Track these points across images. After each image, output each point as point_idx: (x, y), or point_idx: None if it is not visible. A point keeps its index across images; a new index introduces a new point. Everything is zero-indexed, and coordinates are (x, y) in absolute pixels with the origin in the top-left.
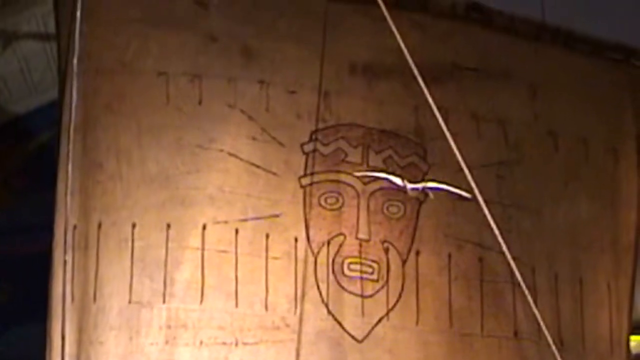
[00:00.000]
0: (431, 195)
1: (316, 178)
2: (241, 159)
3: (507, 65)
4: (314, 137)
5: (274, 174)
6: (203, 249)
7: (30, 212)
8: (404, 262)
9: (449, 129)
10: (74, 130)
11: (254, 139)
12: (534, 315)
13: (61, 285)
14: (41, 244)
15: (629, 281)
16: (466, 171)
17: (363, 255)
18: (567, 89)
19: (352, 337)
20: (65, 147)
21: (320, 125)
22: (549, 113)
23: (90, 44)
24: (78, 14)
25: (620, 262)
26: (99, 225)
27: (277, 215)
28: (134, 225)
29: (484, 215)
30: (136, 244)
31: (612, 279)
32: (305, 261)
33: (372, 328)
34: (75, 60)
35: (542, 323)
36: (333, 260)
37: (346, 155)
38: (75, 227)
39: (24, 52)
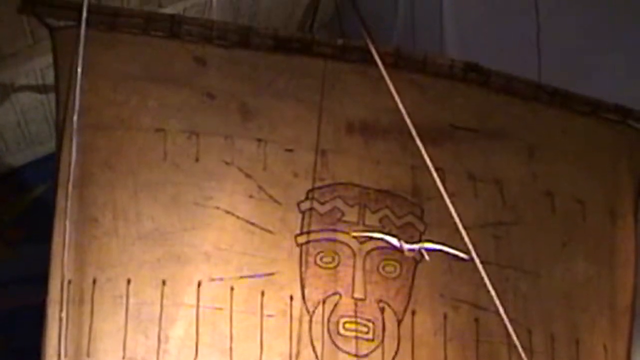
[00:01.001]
0: (427, 256)
1: (312, 237)
2: (238, 217)
3: (505, 125)
4: (310, 195)
5: (270, 232)
6: (198, 306)
7: (24, 264)
8: (399, 322)
9: (446, 189)
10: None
11: (250, 196)
12: None
13: (55, 339)
14: (36, 297)
15: (625, 343)
16: (462, 232)
17: (358, 315)
18: (565, 150)
19: None
20: (62, 202)
21: (317, 184)
22: (546, 173)
23: (89, 100)
24: (79, 70)
25: (617, 324)
26: (94, 281)
27: (272, 274)
28: (129, 282)
29: (481, 276)
30: (131, 300)
31: (609, 340)
32: (300, 320)
33: None
34: (75, 117)
35: None
36: (328, 320)
37: (343, 214)
38: (70, 282)
39: (21, 105)
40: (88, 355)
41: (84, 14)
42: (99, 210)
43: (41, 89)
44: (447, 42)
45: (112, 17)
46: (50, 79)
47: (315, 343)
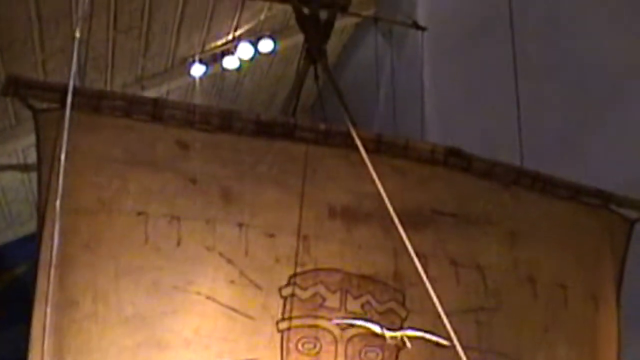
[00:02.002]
0: (408, 344)
1: (294, 323)
2: (219, 303)
3: (487, 210)
4: (292, 281)
5: (252, 317)
6: None
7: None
8: None
9: (427, 275)
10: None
11: (232, 282)
12: None
13: None
14: None
15: None
16: (444, 318)
17: None
18: (546, 235)
19: None
20: (42, 286)
21: (299, 270)
22: (528, 259)
23: (71, 182)
24: (62, 156)
25: None
26: None
27: None
28: None
29: None
30: None
31: None
32: None
33: None
34: (58, 202)
35: None
36: None
37: (324, 300)
38: None
39: (2, 184)
40: None
41: (69, 97)
42: (79, 294)
43: (23, 169)
44: (428, 127)
45: (96, 99)
46: (32, 158)
47: None
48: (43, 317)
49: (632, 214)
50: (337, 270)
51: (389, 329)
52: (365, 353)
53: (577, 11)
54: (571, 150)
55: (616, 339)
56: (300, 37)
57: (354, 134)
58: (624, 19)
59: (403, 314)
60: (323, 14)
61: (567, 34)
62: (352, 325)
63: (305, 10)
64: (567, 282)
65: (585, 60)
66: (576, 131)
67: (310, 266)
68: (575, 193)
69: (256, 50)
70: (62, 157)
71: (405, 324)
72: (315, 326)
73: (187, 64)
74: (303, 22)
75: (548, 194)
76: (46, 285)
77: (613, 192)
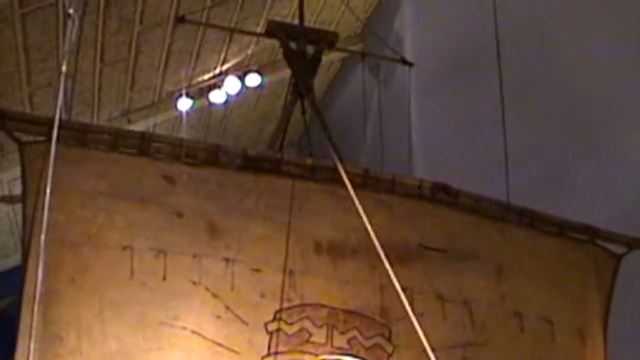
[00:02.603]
0: None
1: (279, 358)
2: (204, 337)
3: (473, 245)
4: (278, 316)
5: (237, 352)
6: None
7: None
8: None
9: (414, 310)
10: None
11: (218, 317)
12: None
13: None
14: None
15: None
16: (431, 354)
17: None
18: (533, 270)
19: None
20: (26, 320)
21: (285, 305)
22: (514, 294)
23: (56, 216)
24: (48, 190)
25: None
26: None
27: None
28: None
29: None
30: None
31: None
32: None
33: None
34: (42, 236)
35: None
36: None
37: (310, 335)
38: None
39: None
40: None
41: (55, 130)
42: (63, 329)
43: (8, 201)
44: (415, 163)
45: (82, 133)
46: (17, 190)
47: None
48: (27, 352)
49: (618, 249)
50: (323, 306)
51: None
52: None
53: (566, 46)
54: (558, 186)
55: None
56: (287, 72)
57: (341, 169)
58: (615, 54)
59: (389, 349)
60: (310, 49)
61: (555, 68)
62: None
63: (293, 45)
64: (554, 317)
65: (572, 96)
66: (563, 166)
67: (296, 301)
68: (561, 228)
69: (243, 84)
70: (47, 190)
71: None
72: None
73: (174, 97)
74: (290, 57)
75: (535, 229)
76: (30, 320)
77: (600, 228)
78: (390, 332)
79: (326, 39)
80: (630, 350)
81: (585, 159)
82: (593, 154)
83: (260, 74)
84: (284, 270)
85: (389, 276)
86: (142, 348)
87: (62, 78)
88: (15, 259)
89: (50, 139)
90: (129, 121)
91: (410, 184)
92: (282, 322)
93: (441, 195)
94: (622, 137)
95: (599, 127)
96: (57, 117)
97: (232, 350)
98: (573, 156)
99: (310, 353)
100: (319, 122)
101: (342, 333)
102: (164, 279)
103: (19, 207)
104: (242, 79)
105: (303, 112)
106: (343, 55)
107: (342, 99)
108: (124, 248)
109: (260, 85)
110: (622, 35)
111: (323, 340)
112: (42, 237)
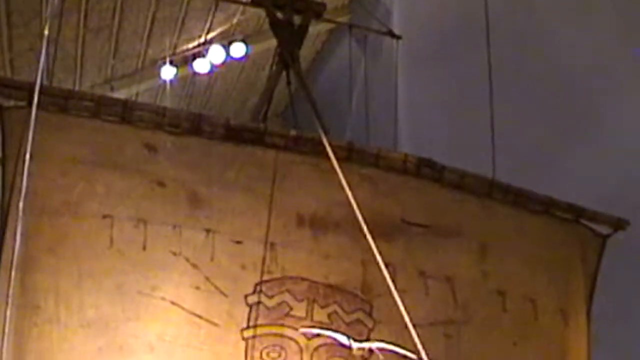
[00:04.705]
0: (381, 356)
1: (259, 331)
2: (183, 309)
3: (457, 222)
4: (258, 289)
5: (216, 325)
6: None
7: None
8: None
9: (396, 286)
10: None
11: (197, 288)
12: None
13: None
14: None
15: None
16: (412, 330)
17: None
18: (517, 248)
19: None
20: (3, 288)
21: (265, 277)
22: (498, 272)
23: (36, 183)
24: (27, 155)
25: None
26: None
27: None
28: None
29: None
30: None
31: None
32: None
33: None
34: (21, 204)
35: None
36: None
37: (291, 309)
38: None
39: None
40: None
41: (36, 95)
42: (41, 297)
43: None
44: (401, 136)
45: (64, 99)
46: None
47: None
48: (3, 320)
49: (604, 230)
50: (304, 279)
51: (355, 340)
52: None
53: (556, 24)
54: (544, 165)
55: (586, 353)
56: (273, 42)
57: (325, 142)
58: (604, 34)
59: (370, 324)
60: (297, 19)
61: (544, 46)
62: (318, 335)
63: (279, 15)
64: (537, 296)
65: (562, 75)
66: (550, 145)
67: (277, 274)
68: (547, 207)
69: (228, 54)
70: (27, 156)
71: (372, 335)
72: (281, 335)
73: (157, 66)
74: (276, 27)
75: (520, 207)
76: (7, 288)
77: (585, 207)
78: (371, 307)
79: (313, 9)
80: (614, 331)
81: (572, 139)
82: (580, 135)
83: (245, 43)
84: (265, 243)
85: (371, 251)
86: (121, 317)
87: (45, 42)
88: None
89: (31, 105)
90: (112, 89)
91: (395, 158)
92: (262, 295)
93: (426, 170)
94: (610, 118)
95: (588, 107)
96: (38, 81)
97: (211, 322)
98: (560, 136)
99: (290, 327)
100: (303, 93)
101: (323, 307)
102: (144, 248)
103: None
104: (226, 48)
105: (288, 83)
106: (330, 26)
107: (328, 71)
108: (104, 217)
109: (245, 56)
110: (612, 16)
111: (303, 314)
112: (21, 204)
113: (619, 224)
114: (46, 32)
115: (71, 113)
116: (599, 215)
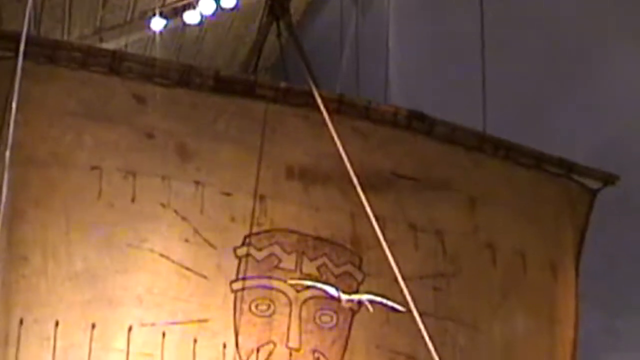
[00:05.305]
0: (370, 308)
1: (248, 283)
2: (172, 261)
3: (447, 175)
4: (247, 241)
5: (205, 277)
6: (128, 352)
7: None
8: None
9: (385, 239)
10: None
11: (186, 240)
12: None
13: None
14: None
15: None
16: (401, 283)
17: None
18: (507, 202)
19: None
20: None
21: (255, 230)
22: (488, 225)
23: (23, 134)
24: (14, 105)
25: None
26: (21, 322)
27: (206, 320)
28: (57, 324)
29: (418, 328)
30: (58, 343)
31: None
32: None
33: None
34: (7, 153)
35: None
36: None
37: (280, 261)
38: None
39: None
40: None
41: (22, 45)
42: (28, 249)
43: None
44: (391, 90)
45: (51, 49)
46: None
47: None
48: None
49: (594, 185)
50: (293, 232)
51: (344, 292)
52: (320, 316)
53: None
54: (535, 119)
55: (574, 308)
56: None
57: (315, 93)
58: None
59: (359, 277)
60: None
61: (536, 2)
62: (307, 288)
63: None
64: (526, 250)
65: (553, 29)
66: (541, 100)
67: (266, 226)
68: (537, 161)
69: (218, 5)
70: (14, 106)
71: (362, 288)
72: (270, 288)
73: (147, 17)
74: None
75: (510, 161)
76: None
77: (575, 162)
78: (360, 260)
79: None
80: (602, 287)
81: (563, 94)
82: (571, 90)
83: None
84: (255, 195)
85: (361, 204)
86: (109, 270)
87: None
88: None
89: (17, 55)
90: (101, 40)
91: (386, 111)
92: (251, 248)
93: (417, 123)
94: (601, 73)
95: (580, 61)
96: (25, 31)
97: (200, 275)
98: (551, 90)
99: (279, 279)
100: (294, 46)
101: (312, 260)
102: (133, 200)
103: None
104: None
105: (278, 35)
106: None
107: (319, 24)
108: (92, 168)
109: (235, 7)
110: None
111: (292, 267)
112: (7, 153)
113: (609, 179)
114: None
115: (59, 64)
116: (590, 170)
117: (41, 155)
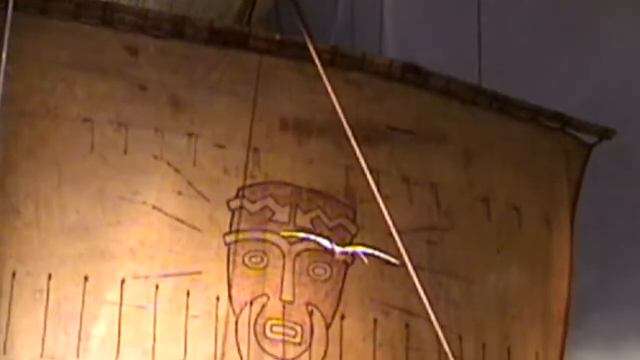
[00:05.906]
0: (365, 260)
1: (241, 236)
2: (165, 213)
3: (442, 128)
4: (240, 193)
5: (198, 229)
6: (121, 304)
7: None
8: (328, 326)
9: (379, 192)
10: None
11: (179, 192)
12: None
13: None
14: None
15: (557, 352)
16: (395, 236)
17: (286, 317)
18: (502, 155)
19: None
20: None
21: (248, 182)
22: (482, 179)
23: (15, 86)
24: (4, 55)
25: (550, 333)
26: (13, 274)
27: (199, 272)
28: (49, 276)
29: (412, 281)
30: (51, 295)
31: (541, 349)
32: (226, 321)
33: None
34: None
35: None
36: (255, 321)
37: (273, 213)
38: None
39: None
40: (4, 352)
41: None
42: (20, 201)
43: None
44: (386, 43)
45: (42, 1)
46: None
47: (241, 345)
48: None
49: (589, 139)
50: (287, 184)
51: (338, 245)
52: (314, 269)
53: None
54: (530, 71)
55: (568, 262)
56: None
57: (310, 44)
58: None
59: (353, 230)
60: None
61: None
62: (301, 240)
63: None
64: (521, 204)
65: None
66: (536, 52)
67: (259, 179)
68: (533, 115)
69: None
70: (3, 56)
71: (355, 241)
72: (263, 240)
73: None
74: None
75: (505, 114)
76: None
77: (572, 116)
78: (354, 213)
79: None
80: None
81: (558, 46)
82: (568, 43)
83: None
84: (248, 147)
85: (355, 156)
86: (102, 222)
87: None
88: None
89: (7, 6)
90: None
91: (380, 63)
92: (244, 200)
93: (411, 76)
94: (598, 27)
95: (577, 14)
96: None
97: (193, 227)
98: (548, 44)
99: (273, 232)
100: None
101: (306, 212)
102: (125, 152)
103: None
104: None
105: None
106: None
107: None
108: (84, 120)
109: None
110: None
111: (286, 219)
112: None
113: (605, 134)
114: None
115: (51, 15)
116: (585, 124)
117: (32, 106)
